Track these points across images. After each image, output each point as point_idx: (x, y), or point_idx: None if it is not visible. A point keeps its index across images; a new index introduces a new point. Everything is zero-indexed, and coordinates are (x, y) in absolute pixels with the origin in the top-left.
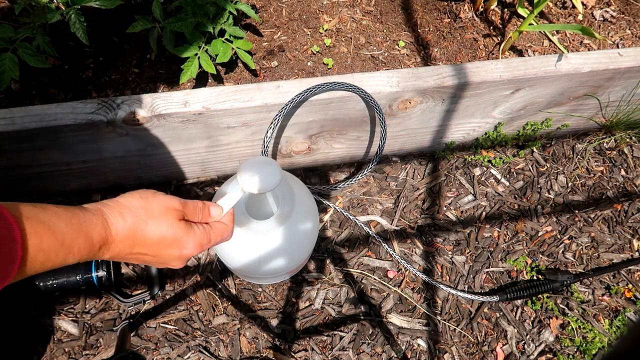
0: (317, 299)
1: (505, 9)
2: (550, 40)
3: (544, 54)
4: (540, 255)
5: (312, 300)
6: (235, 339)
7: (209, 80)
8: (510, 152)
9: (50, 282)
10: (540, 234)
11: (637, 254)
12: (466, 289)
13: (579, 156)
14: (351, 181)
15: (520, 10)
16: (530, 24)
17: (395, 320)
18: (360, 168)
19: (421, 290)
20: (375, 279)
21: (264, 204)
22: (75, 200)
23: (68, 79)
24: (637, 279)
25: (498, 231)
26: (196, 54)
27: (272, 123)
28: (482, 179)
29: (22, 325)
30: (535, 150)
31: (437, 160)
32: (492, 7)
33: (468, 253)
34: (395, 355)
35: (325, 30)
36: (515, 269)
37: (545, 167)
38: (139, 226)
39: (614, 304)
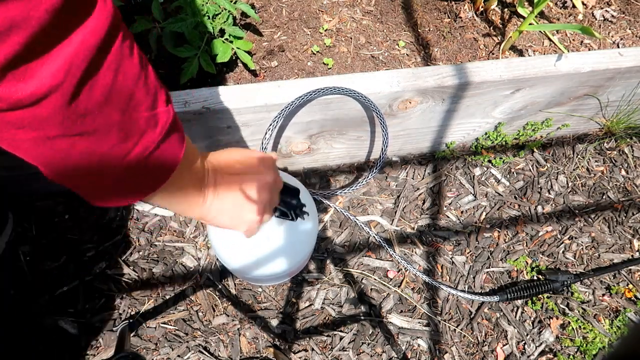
0: (317, 299)
1: (505, 9)
2: (550, 40)
3: (544, 54)
4: (541, 255)
5: (312, 300)
6: (235, 339)
7: (209, 80)
8: (510, 152)
9: None
10: (540, 234)
11: (637, 253)
12: (466, 289)
13: (579, 156)
14: (353, 187)
15: (521, 10)
16: (530, 24)
17: (396, 320)
18: (361, 168)
19: (421, 291)
20: (375, 279)
21: None
22: (75, 200)
23: None
24: (638, 279)
25: (498, 231)
26: (196, 54)
27: (270, 125)
28: (483, 179)
29: (22, 325)
30: (535, 150)
31: (437, 160)
32: (492, 7)
33: (468, 253)
34: (396, 356)
35: (325, 30)
36: (515, 269)
37: (546, 167)
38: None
39: (614, 304)
